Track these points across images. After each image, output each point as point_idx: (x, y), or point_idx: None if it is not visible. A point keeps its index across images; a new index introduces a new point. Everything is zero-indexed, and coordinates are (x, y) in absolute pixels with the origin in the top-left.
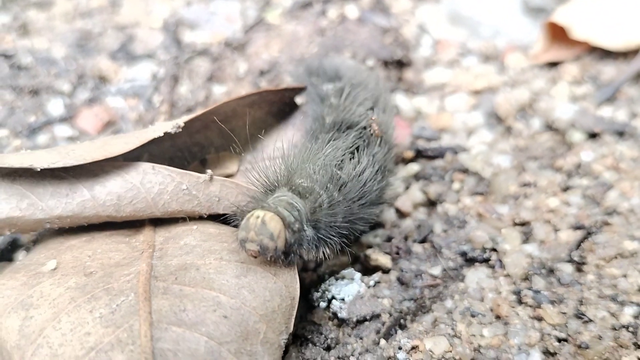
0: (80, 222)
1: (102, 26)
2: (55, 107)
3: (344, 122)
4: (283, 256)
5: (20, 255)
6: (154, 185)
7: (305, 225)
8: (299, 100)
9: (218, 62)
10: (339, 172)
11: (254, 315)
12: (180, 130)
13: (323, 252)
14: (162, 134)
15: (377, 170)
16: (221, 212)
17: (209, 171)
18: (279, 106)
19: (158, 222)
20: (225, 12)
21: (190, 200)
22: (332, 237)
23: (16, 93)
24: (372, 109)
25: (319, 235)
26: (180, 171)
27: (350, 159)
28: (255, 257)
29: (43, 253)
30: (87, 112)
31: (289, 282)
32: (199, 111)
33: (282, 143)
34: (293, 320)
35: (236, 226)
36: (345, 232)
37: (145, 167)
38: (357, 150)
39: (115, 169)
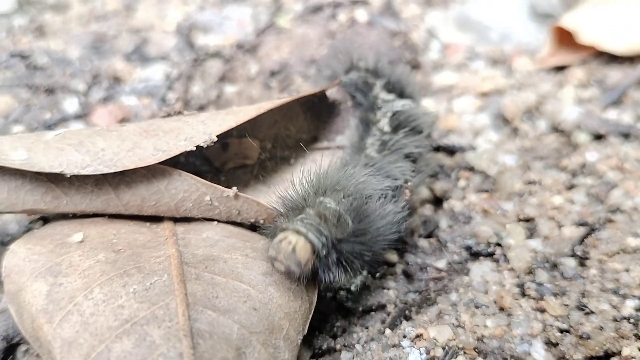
0: (102, 214)
1: (116, 29)
2: (71, 105)
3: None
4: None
5: (37, 225)
6: (179, 192)
7: (330, 250)
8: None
9: (230, 63)
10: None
11: (279, 312)
12: (213, 144)
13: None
14: (194, 148)
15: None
16: (239, 222)
17: (234, 188)
18: (310, 102)
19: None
20: (237, 17)
21: (210, 210)
22: (353, 262)
23: (32, 91)
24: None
25: (341, 261)
26: (206, 183)
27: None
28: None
29: (66, 225)
30: (102, 110)
31: (309, 287)
32: (231, 123)
33: (319, 157)
34: (308, 324)
35: (258, 230)
36: (367, 258)
37: (173, 172)
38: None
39: (143, 170)
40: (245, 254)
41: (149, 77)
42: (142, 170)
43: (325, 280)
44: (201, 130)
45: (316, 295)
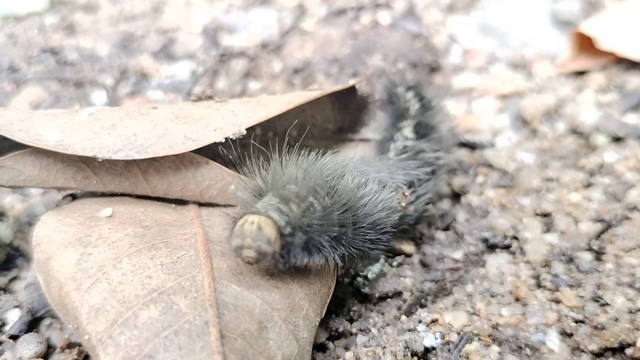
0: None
1: (144, 29)
2: (99, 97)
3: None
4: (282, 261)
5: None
6: (205, 179)
7: (296, 230)
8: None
9: (254, 61)
10: (329, 179)
11: (299, 292)
12: (242, 136)
13: (316, 260)
14: (223, 140)
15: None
16: None
17: None
18: (341, 98)
19: None
20: (262, 20)
21: (234, 198)
22: (324, 246)
23: (62, 84)
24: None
25: (311, 242)
26: (232, 172)
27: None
28: (252, 264)
29: (95, 201)
30: (129, 102)
31: (327, 272)
32: (261, 116)
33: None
34: (326, 307)
35: None
36: (342, 246)
37: (201, 160)
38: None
39: (172, 156)
40: None
41: (175, 73)
42: (171, 156)
43: (294, 263)
44: (231, 121)
45: (334, 280)
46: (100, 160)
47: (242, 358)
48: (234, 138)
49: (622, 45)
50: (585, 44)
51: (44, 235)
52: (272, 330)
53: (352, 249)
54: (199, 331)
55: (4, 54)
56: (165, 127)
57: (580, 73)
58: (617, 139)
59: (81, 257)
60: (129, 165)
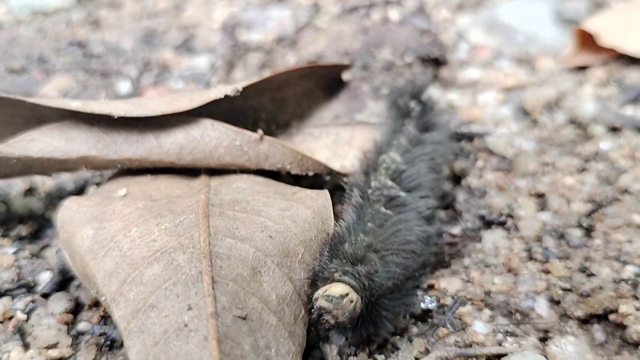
0: (146, 165)
1: (166, 25)
2: (124, 86)
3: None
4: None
5: (92, 188)
6: (212, 139)
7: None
8: (345, 77)
9: (270, 54)
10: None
11: (294, 239)
12: (239, 94)
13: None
14: (222, 96)
15: None
16: (267, 168)
17: (259, 131)
18: (327, 80)
19: (213, 172)
20: (278, 17)
21: (241, 156)
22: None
23: (89, 74)
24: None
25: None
26: (235, 129)
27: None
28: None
29: (114, 185)
30: (152, 91)
31: (325, 219)
32: (255, 79)
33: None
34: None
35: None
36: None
37: (206, 123)
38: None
39: (180, 122)
40: (267, 196)
41: (195, 65)
42: (179, 121)
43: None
44: (230, 87)
45: (332, 227)
46: (116, 117)
47: (234, 299)
48: (231, 95)
49: (622, 42)
50: (587, 41)
51: (66, 218)
52: (266, 274)
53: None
54: (194, 280)
55: (34, 47)
56: (173, 97)
57: (582, 68)
58: (613, 129)
59: (97, 232)
60: (143, 132)
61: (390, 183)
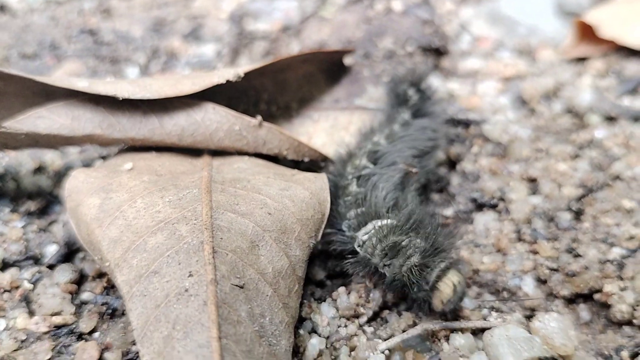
0: (149, 145)
1: (175, 15)
2: (132, 72)
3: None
4: None
5: (98, 162)
6: (213, 123)
7: None
8: (347, 61)
9: (275, 43)
10: None
11: (292, 218)
12: (240, 79)
13: None
14: (224, 81)
15: None
16: (265, 153)
17: (258, 117)
18: (329, 65)
19: (215, 152)
20: (285, 8)
21: (240, 140)
22: None
23: (99, 60)
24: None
25: None
26: (236, 113)
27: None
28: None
29: (120, 159)
30: (160, 77)
31: (322, 200)
32: (259, 63)
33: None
34: (321, 232)
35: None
36: None
37: (207, 106)
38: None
39: (182, 105)
40: (267, 176)
41: (203, 53)
42: (181, 104)
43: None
44: (232, 71)
45: (328, 208)
46: (120, 99)
47: (232, 268)
48: (233, 80)
49: (622, 34)
50: (587, 33)
51: (73, 187)
52: (264, 247)
53: None
54: (196, 249)
55: (46, 34)
56: (177, 79)
57: (581, 59)
58: (609, 119)
59: (103, 202)
60: (146, 113)
61: (364, 163)
